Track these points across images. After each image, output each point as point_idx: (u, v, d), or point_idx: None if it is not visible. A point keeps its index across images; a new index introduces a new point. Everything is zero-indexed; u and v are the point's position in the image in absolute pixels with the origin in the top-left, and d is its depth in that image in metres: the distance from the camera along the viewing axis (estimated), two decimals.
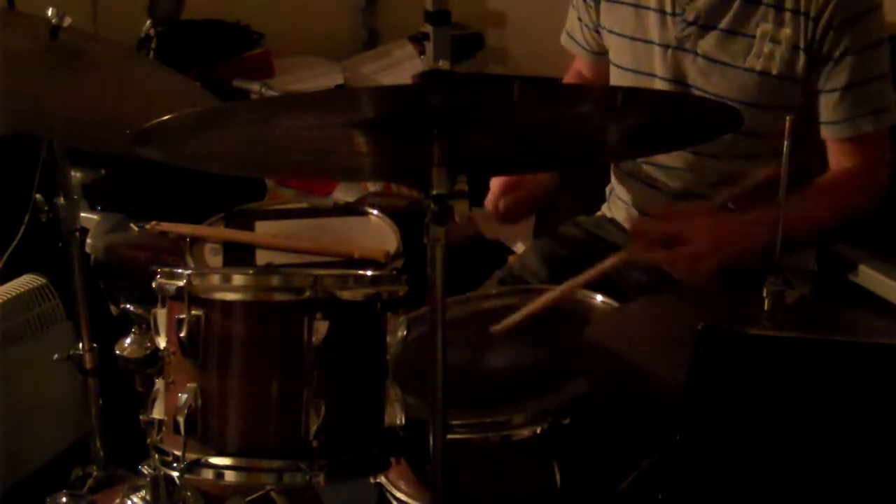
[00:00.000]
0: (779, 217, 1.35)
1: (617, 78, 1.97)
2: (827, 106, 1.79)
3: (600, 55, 2.04)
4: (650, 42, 1.88)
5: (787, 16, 1.76)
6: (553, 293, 1.73)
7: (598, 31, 2.01)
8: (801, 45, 1.76)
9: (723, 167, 1.88)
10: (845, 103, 1.77)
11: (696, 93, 1.84)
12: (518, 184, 1.92)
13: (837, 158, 1.83)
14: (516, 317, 1.71)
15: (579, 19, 2.05)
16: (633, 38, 1.91)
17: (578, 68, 2.14)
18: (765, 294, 1.38)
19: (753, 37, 1.78)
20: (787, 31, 1.76)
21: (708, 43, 1.82)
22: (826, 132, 1.81)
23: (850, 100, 1.77)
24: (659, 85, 1.88)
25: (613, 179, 2.10)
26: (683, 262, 1.69)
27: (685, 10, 1.83)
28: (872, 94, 1.78)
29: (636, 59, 1.91)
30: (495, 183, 1.93)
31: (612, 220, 2.10)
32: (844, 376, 1.11)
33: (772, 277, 1.38)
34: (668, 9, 1.85)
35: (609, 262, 1.75)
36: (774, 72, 1.78)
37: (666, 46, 1.86)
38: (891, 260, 2.27)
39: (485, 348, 1.68)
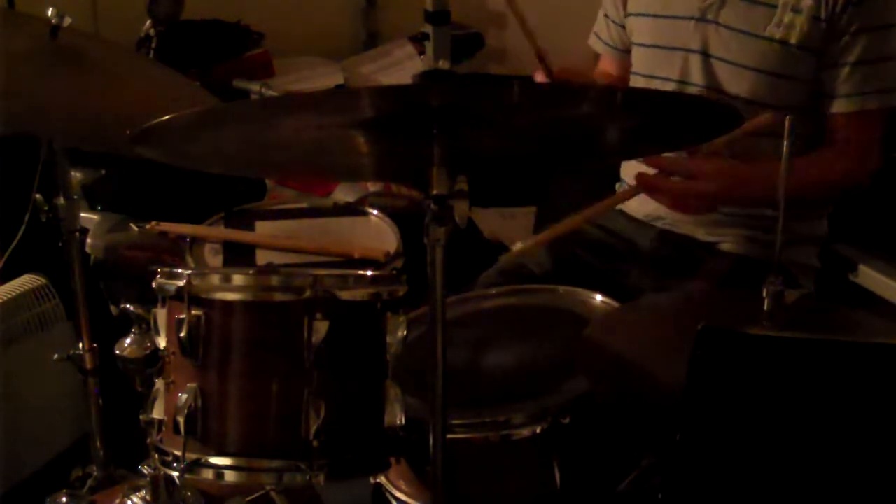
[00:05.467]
0: (770, 177, 1.37)
1: (639, 57, 2.01)
2: (836, 79, 1.82)
3: (626, 52, 2.08)
4: (675, 17, 1.91)
5: None
6: (572, 220, 1.77)
7: (623, 27, 2.05)
8: (822, 15, 1.78)
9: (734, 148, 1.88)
10: (854, 78, 1.81)
11: (717, 62, 1.87)
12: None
13: (837, 133, 1.86)
14: (531, 241, 1.74)
15: (606, 16, 2.10)
16: (657, 16, 1.95)
17: (604, 68, 2.18)
18: (765, 294, 1.38)
19: (775, 6, 1.81)
20: (808, 1, 1.78)
21: (729, 12, 1.85)
22: (831, 105, 1.84)
23: (859, 75, 1.80)
24: (680, 57, 1.91)
25: (622, 169, 2.11)
26: (690, 198, 1.77)
27: None
28: (882, 72, 1.81)
29: (660, 34, 1.95)
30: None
31: (621, 212, 2.10)
32: (844, 376, 1.11)
33: (772, 277, 1.38)
34: None
35: (624, 194, 1.86)
36: (793, 41, 1.80)
37: (689, 18, 1.89)
38: (891, 260, 2.28)
39: (485, 348, 1.69)
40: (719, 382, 1.14)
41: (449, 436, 1.33)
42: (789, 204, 1.34)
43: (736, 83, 1.86)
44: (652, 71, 1.98)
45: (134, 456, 1.66)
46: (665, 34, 1.94)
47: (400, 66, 3.18)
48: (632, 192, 1.84)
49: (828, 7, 1.78)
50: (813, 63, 1.82)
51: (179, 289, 1.37)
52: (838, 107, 1.83)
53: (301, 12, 3.23)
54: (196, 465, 1.36)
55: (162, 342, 1.41)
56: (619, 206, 2.11)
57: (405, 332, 1.41)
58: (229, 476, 1.36)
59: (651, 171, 1.78)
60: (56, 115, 1.62)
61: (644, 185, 1.78)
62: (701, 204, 1.80)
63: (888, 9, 1.79)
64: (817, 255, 2.03)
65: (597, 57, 2.19)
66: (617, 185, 2.15)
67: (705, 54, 1.88)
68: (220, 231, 1.80)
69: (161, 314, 1.41)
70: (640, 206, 2.03)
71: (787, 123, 1.34)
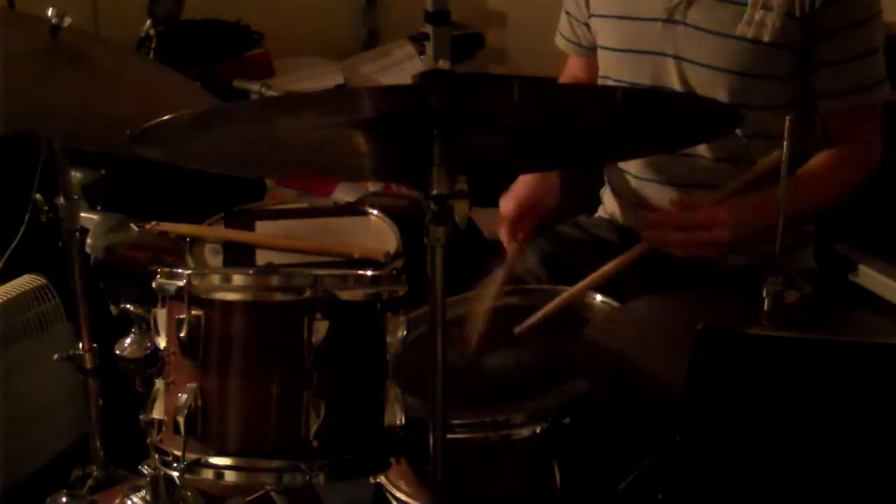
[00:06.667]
0: (791, 196, 1.35)
1: (606, 60, 1.95)
2: (827, 79, 1.78)
3: (592, 51, 2.02)
4: (640, 19, 1.85)
5: None
6: (576, 289, 1.72)
7: (587, 25, 2.00)
8: (797, 13, 1.72)
9: (718, 155, 1.87)
10: (846, 76, 1.76)
11: (690, 66, 1.81)
12: (530, 205, 1.90)
13: (839, 133, 1.83)
14: (540, 315, 1.70)
15: (567, 13, 2.04)
16: (621, 18, 1.89)
17: (572, 70, 2.13)
18: (765, 294, 1.38)
19: (744, 4, 1.75)
20: None
21: (697, 12, 1.79)
22: (826, 105, 1.80)
23: (850, 72, 1.76)
24: (650, 61, 1.85)
25: (605, 173, 2.10)
26: (702, 248, 1.71)
27: None
28: (871, 67, 1.77)
29: (626, 37, 1.89)
30: (508, 210, 1.89)
31: (610, 220, 2.09)
32: (845, 376, 1.11)
33: (772, 277, 1.38)
34: None
35: (629, 255, 1.74)
36: (766, 39, 1.74)
37: (656, 20, 1.83)
38: (891, 260, 2.28)
39: (484, 348, 1.68)
40: (719, 382, 1.14)
41: (449, 436, 1.33)
42: (807, 219, 1.31)
43: (711, 87, 1.79)
44: (620, 75, 1.91)
45: (134, 456, 1.66)
46: (632, 37, 1.87)
47: (400, 66, 3.18)
48: (640, 252, 1.74)
49: (803, 5, 1.72)
50: (791, 60, 1.76)
51: (179, 289, 1.37)
52: (833, 106, 1.79)
53: (301, 12, 3.24)
54: (196, 465, 1.36)
55: (162, 342, 1.41)
56: (607, 216, 2.10)
57: (405, 332, 1.41)
58: (229, 476, 1.36)
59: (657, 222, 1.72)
60: (56, 115, 1.62)
61: (653, 242, 1.72)
62: (715, 251, 1.74)
63: (867, 1, 1.75)
64: (812, 255, 2.01)
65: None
66: (601, 191, 2.14)
67: (677, 58, 1.82)
68: (220, 231, 1.80)
69: (161, 314, 1.41)
70: (628, 219, 2.02)
71: (786, 123, 1.34)
